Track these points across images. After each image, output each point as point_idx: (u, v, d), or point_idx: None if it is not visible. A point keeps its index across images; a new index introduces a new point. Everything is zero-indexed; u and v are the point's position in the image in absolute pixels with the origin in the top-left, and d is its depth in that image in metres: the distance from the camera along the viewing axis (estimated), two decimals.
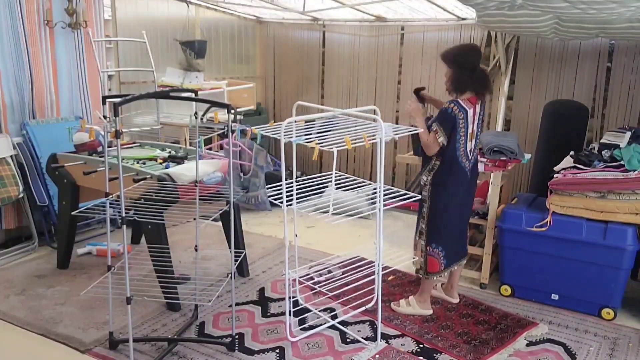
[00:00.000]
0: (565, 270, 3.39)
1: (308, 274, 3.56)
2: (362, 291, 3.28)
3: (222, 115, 3.77)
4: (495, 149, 3.58)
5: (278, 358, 2.88)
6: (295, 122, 2.84)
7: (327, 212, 2.60)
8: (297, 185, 2.92)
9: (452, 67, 3.13)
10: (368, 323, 3.24)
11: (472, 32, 5.19)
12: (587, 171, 3.33)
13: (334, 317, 3.28)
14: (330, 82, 6.16)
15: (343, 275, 3.20)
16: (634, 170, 3.20)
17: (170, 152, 3.82)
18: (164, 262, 3.19)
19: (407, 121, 3.11)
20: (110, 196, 2.69)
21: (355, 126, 2.93)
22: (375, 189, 2.85)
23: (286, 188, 2.78)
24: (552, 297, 3.49)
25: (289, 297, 3.00)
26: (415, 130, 3.15)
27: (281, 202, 2.77)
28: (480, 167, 3.49)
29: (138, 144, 4.05)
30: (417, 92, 3.36)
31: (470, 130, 3.12)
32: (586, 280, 3.34)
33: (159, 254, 3.20)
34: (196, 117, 3.05)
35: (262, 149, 3.37)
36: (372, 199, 3.84)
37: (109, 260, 2.70)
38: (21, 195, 4.12)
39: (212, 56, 5.80)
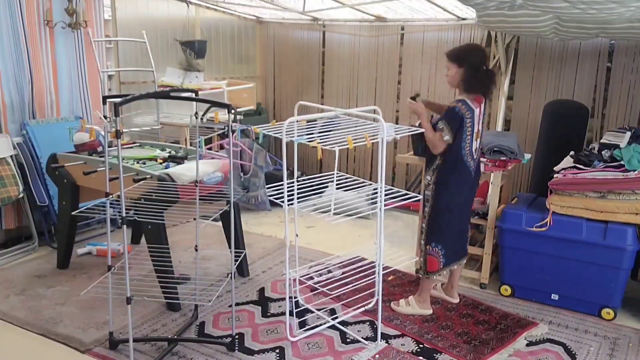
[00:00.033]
0: (565, 270, 3.39)
1: (308, 274, 3.56)
2: (362, 291, 3.28)
3: (222, 115, 3.78)
4: (495, 149, 3.58)
5: (278, 358, 2.88)
6: (297, 121, 2.84)
7: (328, 211, 2.60)
8: (297, 185, 2.92)
9: (463, 66, 3.10)
10: (368, 323, 3.24)
11: (472, 32, 5.19)
12: (587, 171, 3.33)
13: (334, 317, 3.28)
14: (330, 82, 6.16)
15: (343, 275, 3.20)
16: (634, 170, 3.20)
17: (170, 152, 3.82)
18: (164, 262, 3.19)
19: (407, 121, 3.10)
20: (111, 196, 2.69)
21: (357, 126, 2.93)
22: (375, 189, 2.85)
23: (287, 188, 2.78)
24: (552, 297, 3.49)
25: (289, 297, 3.00)
26: (417, 130, 3.15)
27: (282, 202, 2.77)
28: (480, 167, 3.49)
29: (138, 144, 4.05)
30: (413, 99, 3.26)
31: (476, 130, 3.12)
32: (586, 280, 3.34)
33: (159, 254, 3.20)
34: (196, 117, 3.05)
35: (261, 149, 3.37)
36: (372, 199, 3.84)
37: (109, 260, 2.70)
38: (21, 195, 4.12)
39: (212, 56, 5.80)
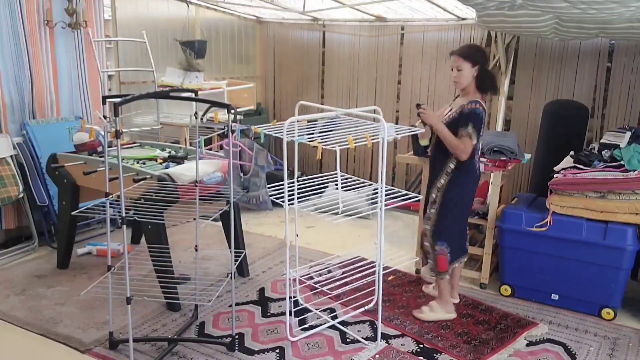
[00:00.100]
0: (565, 270, 3.39)
1: (308, 274, 3.56)
2: (362, 291, 3.28)
3: (222, 115, 3.78)
4: (495, 149, 3.58)
5: (278, 358, 2.88)
6: (298, 121, 2.84)
7: (330, 211, 2.60)
8: (298, 185, 2.92)
9: (477, 65, 3.06)
10: (368, 323, 3.24)
11: (472, 32, 5.19)
12: (587, 171, 3.33)
13: (334, 317, 3.28)
14: (330, 82, 6.16)
15: (343, 275, 3.20)
16: (634, 170, 3.20)
17: (170, 152, 3.82)
18: (164, 262, 3.19)
19: (407, 121, 3.08)
20: (110, 196, 2.69)
21: (357, 126, 2.93)
22: (375, 189, 2.85)
23: (287, 188, 2.78)
24: (552, 297, 3.49)
25: (289, 297, 3.00)
26: (417, 130, 3.14)
27: (282, 202, 2.77)
28: (480, 167, 3.49)
29: (138, 144, 4.05)
30: (419, 106, 3.16)
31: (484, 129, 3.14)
32: (586, 280, 3.34)
33: (159, 254, 3.20)
34: (196, 117, 3.05)
35: (262, 149, 3.36)
36: (372, 199, 3.84)
37: (109, 260, 2.70)
38: (21, 195, 4.11)
39: (212, 56, 5.80)
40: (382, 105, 5.57)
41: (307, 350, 2.95)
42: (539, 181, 4.28)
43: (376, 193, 2.83)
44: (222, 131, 3.71)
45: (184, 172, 3.23)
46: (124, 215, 2.55)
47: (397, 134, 2.84)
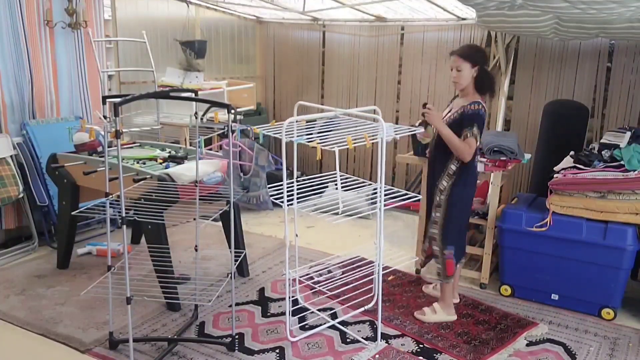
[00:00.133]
0: (565, 270, 3.39)
1: (308, 274, 3.56)
2: (362, 291, 3.28)
3: (222, 115, 3.78)
4: (495, 149, 3.58)
5: (278, 358, 2.88)
6: (297, 121, 2.84)
7: (330, 211, 2.60)
8: (297, 185, 2.92)
9: (477, 65, 3.04)
10: (368, 323, 3.24)
11: (472, 32, 5.19)
12: (587, 171, 3.33)
13: (334, 317, 3.28)
14: (330, 82, 6.16)
15: (343, 275, 3.20)
16: (634, 170, 3.20)
17: (170, 152, 3.82)
18: (164, 262, 3.19)
19: (407, 121, 3.07)
20: (110, 196, 2.69)
21: (356, 126, 2.93)
22: (375, 189, 2.85)
23: (287, 188, 2.78)
24: (552, 297, 3.49)
25: (289, 297, 3.00)
26: (417, 130, 3.14)
27: (282, 202, 2.78)
28: (480, 167, 3.49)
29: (138, 144, 4.05)
30: (425, 105, 3.14)
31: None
32: (586, 280, 3.34)
33: (159, 254, 3.20)
34: (196, 117, 3.05)
35: (263, 148, 3.36)
36: (372, 199, 3.84)
37: (109, 260, 2.70)
38: (21, 195, 4.12)
39: (212, 56, 5.80)
40: (382, 105, 5.57)
41: (307, 350, 2.95)
42: (539, 181, 4.28)
43: (376, 193, 2.83)
44: (222, 131, 3.71)
45: (184, 172, 3.23)
46: (124, 215, 2.55)
47: (397, 134, 2.84)
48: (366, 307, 3.33)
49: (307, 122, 3.03)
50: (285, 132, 2.65)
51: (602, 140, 3.60)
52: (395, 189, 2.90)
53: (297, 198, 2.86)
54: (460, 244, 3.31)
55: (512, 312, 3.42)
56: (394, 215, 5.26)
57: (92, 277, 3.71)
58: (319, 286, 3.05)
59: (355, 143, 2.57)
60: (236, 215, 3.69)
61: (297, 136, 2.73)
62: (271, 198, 2.98)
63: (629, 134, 3.54)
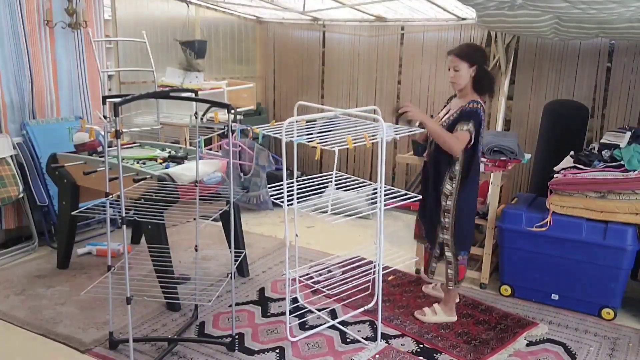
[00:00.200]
0: (565, 270, 3.39)
1: (308, 274, 3.56)
2: (362, 291, 3.28)
3: (222, 115, 3.77)
4: (495, 149, 3.58)
5: (278, 358, 2.88)
6: (297, 121, 2.84)
7: (326, 211, 2.60)
8: (297, 185, 2.92)
9: (474, 65, 2.98)
10: (368, 323, 3.24)
11: (472, 32, 5.19)
12: (587, 171, 3.33)
13: (333, 317, 3.28)
14: (330, 82, 6.16)
15: (343, 275, 3.20)
16: (634, 170, 3.20)
17: (170, 152, 3.82)
18: (164, 262, 3.19)
19: (404, 121, 3.06)
20: (110, 196, 2.69)
21: (356, 126, 2.93)
22: (375, 189, 2.85)
23: (287, 188, 2.78)
24: (552, 297, 3.49)
25: (289, 297, 3.00)
26: (417, 130, 3.13)
27: (282, 202, 2.78)
28: (480, 167, 3.48)
29: (138, 144, 4.05)
30: (398, 111, 3.06)
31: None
32: (586, 280, 3.34)
33: (159, 254, 3.20)
34: (196, 117, 3.05)
35: (263, 148, 3.36)
36: (372, 199, 3.84)
37: (109, 260, 2.70)
38: (21, 195, 4.12)
39: (212, 56, 5.80)
40: (382, 105, 5.57)
41: (307, 350, 2.95)
42: (539, 181, 4.28)
43: (376, 193, 2.82)
44: (222, 131, 3.71)
45: (184, 172, 3.23)
46: (124, 215, 2.55)
47: (396, 134, 2.84)
48: (366, 307, 3.33)
49: (307, 122, 3.02)
50: (285, 132, 2.65)
51: (602, 140, 3.60)
52: (395, 189, 2.90)
53: (297, 198, 2.86)
54: (470, 248, 3.30)
55: (512, 312, 3.42)
56: (394, 215, 5.26)
57: (92, 277, 3.71)
58: (319, 286, 3.05)
59: (355, 143, 2.57)
60: (236, 215, 3.69)
61: (297, 136, 2.73)
62: (271, 198, 2.98)
63: (629, 134, 3.54)
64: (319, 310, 3.34)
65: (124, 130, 4.54)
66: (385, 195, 2.81)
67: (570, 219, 3.33)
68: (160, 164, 3.54)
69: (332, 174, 2.66)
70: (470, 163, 3.04)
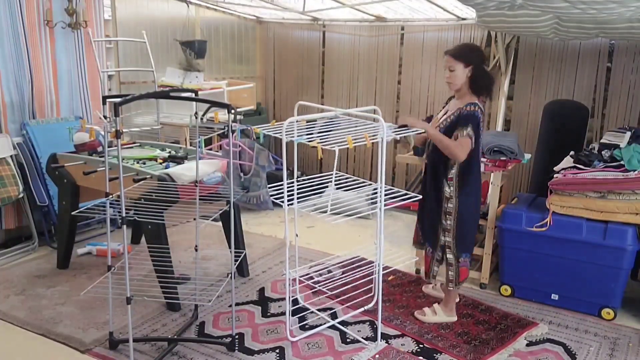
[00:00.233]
0: (565, 270, 3.39)
1: (308, 274, 3.56)
2: (362, 291, 3.28)
3: (222, 115, 3.78)
4: (495, 149, 3.58)
5: (278, 358, 2.88)
6: (297, 121, 2.84)
7: (326, 211, 2.60)
8: (297, 185, 2.92)
9: (470, 66, 2.95)
10: (368, 323, 3.24)
11: (472, 32, 5.19)
12: (587, 171, 3.33)
13: (334, 317, 3.28)
14: (330, 82, 6.16)
15: (343, 275, 3.20)
16: (634, 170, 3.20)
17: (170, 152, 3.82)
18: (164, 262, 3.19)
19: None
20: (110, 196, 2.69)
21: (356, 126, 2.93)
22: (375, 189, 2.85)
23: (287, 188, 2.78)
24: (552, 297, 3.49)
25: (289, 297, 3.00)
26: (417, 130, 3.12)
27: (282, 202, 2.78)
28: (481, 167, 3.48)
29: (138, 144, 4.05)
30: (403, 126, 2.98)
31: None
32: (586, 280, 3.34)
33: (159, 254, 3.20)
34: (196, 117, 3.05)
35: (263, 148, 3.36)
36: (372, 199, 3.84)
37: (109, 260, 2.70)
38: (21, 195, 4.12)
39: (212, 56, 5.80)
40: (382, 105, 5.57)
41: (307, 350, 2.95)
42: (539, 181, 4.28)
43: (376, 193, 2.82)
44: (222, 131, 3.71)
45: (184, 172, 3.23)
46: (124, 215, 2.55)
47: (396, 134, 2.84)
48: (366, 307, 3.33)
49: (307, 122, 3.03)
50: (286, 132, 2.65)
51: (602, 140, 3.60)
52: (395, 189, 2.90)
53: (297, 198, 2.86)
54: (472, 250, 3.29)
55: (512, 312, 3.42)
56: (394, 215, 5.26)
57: (92, 277, 3.71)
58: (319, 286, 3.05)
59: (355, 143, 2.57)
60: (236, 215, 3.69)
61: (297, 136, 2.73)
62: (271, 198, 2.98)
63: (629, 134, 3.54)
64: (319, 310, 3.34)
65: (124, 130, 4.54)
66: (385, 195, 2.81)
67: (570, 219, 3.33)
68: (160, 164, 3.54)
69: (332, 174, 2.66)
70: (470, 165, 3.02)
